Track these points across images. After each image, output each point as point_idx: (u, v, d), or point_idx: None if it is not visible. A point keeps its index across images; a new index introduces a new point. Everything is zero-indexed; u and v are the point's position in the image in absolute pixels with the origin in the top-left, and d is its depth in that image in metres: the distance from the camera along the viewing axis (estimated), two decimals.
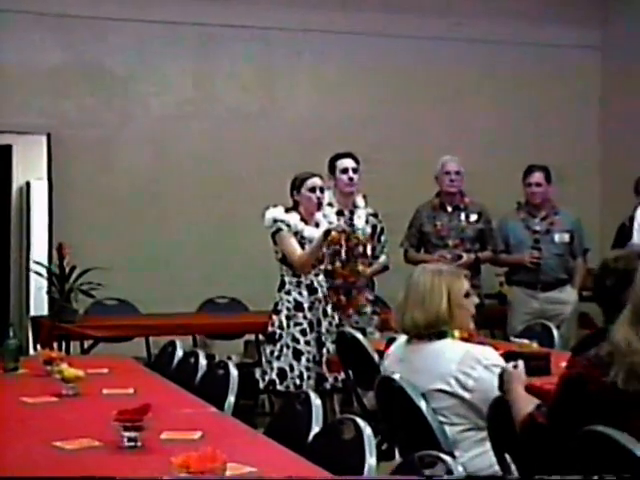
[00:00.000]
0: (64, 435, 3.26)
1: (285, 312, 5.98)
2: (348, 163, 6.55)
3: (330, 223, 6.09)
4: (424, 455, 2.75)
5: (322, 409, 3.58)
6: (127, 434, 3.09)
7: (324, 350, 5.97)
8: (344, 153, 6.63)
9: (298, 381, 5.89)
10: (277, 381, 5.90)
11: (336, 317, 6.11)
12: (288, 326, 5.96)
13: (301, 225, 5.98)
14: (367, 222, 6.60)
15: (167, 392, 4.34)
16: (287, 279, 6.03)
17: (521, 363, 3.52)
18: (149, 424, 3.13)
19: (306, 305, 5.98)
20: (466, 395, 3.78)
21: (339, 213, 6.56)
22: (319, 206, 6.05)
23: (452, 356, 3.85)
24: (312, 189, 6.00)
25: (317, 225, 6.08)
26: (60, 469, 2.85)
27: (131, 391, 4.22)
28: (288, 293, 6.00)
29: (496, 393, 3.55)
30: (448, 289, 3.89)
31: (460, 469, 2.62)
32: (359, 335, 5.69)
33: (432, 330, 3.91)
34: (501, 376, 3.51)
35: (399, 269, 6.84)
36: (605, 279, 3.40)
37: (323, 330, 6.00)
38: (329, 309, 6.06)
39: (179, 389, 4.41)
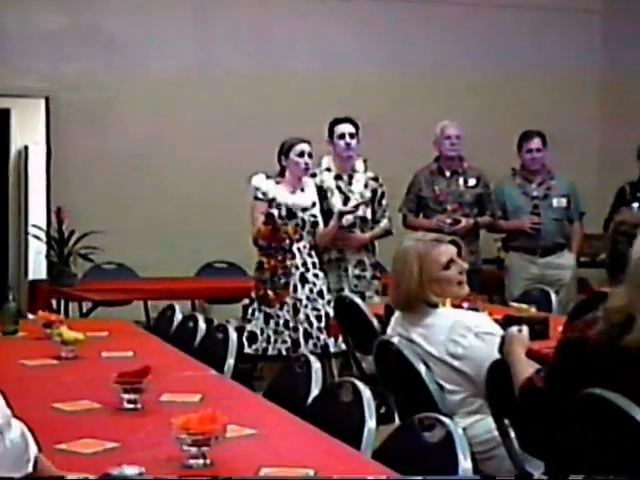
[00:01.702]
0: (64, 397, 3.28)
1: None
2: (345, 128, 6.54)
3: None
4: (423, 417, 2.76)
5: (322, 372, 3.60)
6: (127, 396, 3.10)
7: (301, 316, 5.97)
8: (342, 118, 6.62)
9: (265, 344, 5.93)
10: (246, 344, 5.93)
11: (318, 284, 6.08)
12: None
13: (274, 192, 5.99)
14: (366, 186, 6.59)
15: (167, 355, 4.35)
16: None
17: (525, 328, 3.52)
18: (149, 386, 3.14)
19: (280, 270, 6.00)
20: (455, 363, 3.78)
21: (337, 177, 6.56)
22: (306, 171, 6.06)
23: (442, 324, 3.85)
24: (300, 154, 6.00)
25: (303, 190, 6.09)
26: (60, 431, 2.86)
27: (130, 354, 4.23)
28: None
29: (488, 360, 3.56)
30: (420, 267, 3.87)
31: (460, 431, 2.63)
32: (357, 299, 5.70)
33: (415, 305, 3.92)
34: (503, 338, 3.51)
35: (398, 234, 6.85)
36: (618, 244, 3.39)
37: (300, 296, 6.00)
38: (309, 275, 6.05)
39: (178, 352, 4.42)
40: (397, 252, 4.03)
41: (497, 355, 3.51)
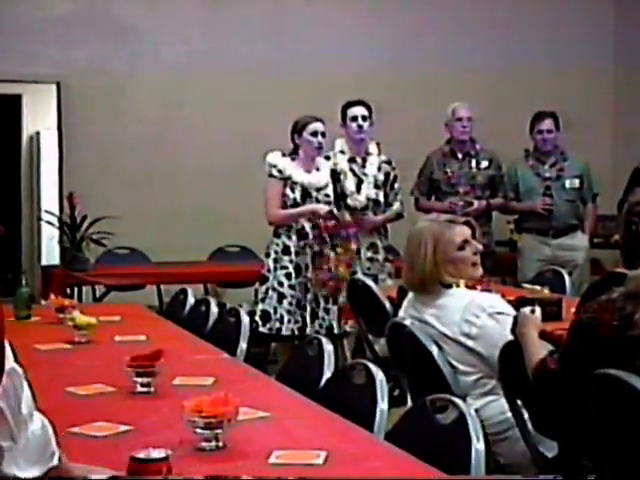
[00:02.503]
0: (77, 381, 3.29)
1: (273, 255, 6.03)
2: (357, 111, 6.53)
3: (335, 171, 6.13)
4: (435, 399, 2.76)
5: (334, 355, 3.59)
6: (140, 380, 3.11)
7: (309, 296, 5.98)
8: (355, 101, 6.61)
9: (278, 324, 5.93)
10: (260, 323, 5.95)
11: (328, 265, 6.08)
12: (275, 269, 6.00)
13: (290, 170, 5.99)
14: (380, 169, 6.59)
15: (179, 339, 4.36)
16: None
17: (538, 309, 3.51)
18: (162, 370, 3.15)
19: (293, 249, 6.00)
20: (469, 343, 3.77)
21: (351, 160, 6.56)
22: (319, 150, 6.04)
23: (456, 305, 3.84)
24: (314, 133, 5.99)
25: (318, 169, 6.09)
26: (73, 414, 2.87)
27: (143, 338, 4.24)
28: (278, 236, 6.05)
29: (502, 341, 3.55)
30: (434, 248, 3.87)
31: (472, 412, 2.62)
32: (370, 282, 5.71)
33: (430, 286, 3.91)
34: (515, 319, 3.50)
35: (410, 217, 6.85)
36: (632, 225, 3.37)
37: (310, 276, 6.00)
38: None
39: (191, 336, 4.44)
40: (411, 233, 4.02)
41: (510, 336, 3.50)
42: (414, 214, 7.05)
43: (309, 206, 6.00)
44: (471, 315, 3.78)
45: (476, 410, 3.62)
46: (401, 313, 4.18)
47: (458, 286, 3.92)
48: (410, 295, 4.13)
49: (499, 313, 3.76)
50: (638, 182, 6.97)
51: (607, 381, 2.75)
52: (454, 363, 3.84)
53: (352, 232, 6.20)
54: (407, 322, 4.00)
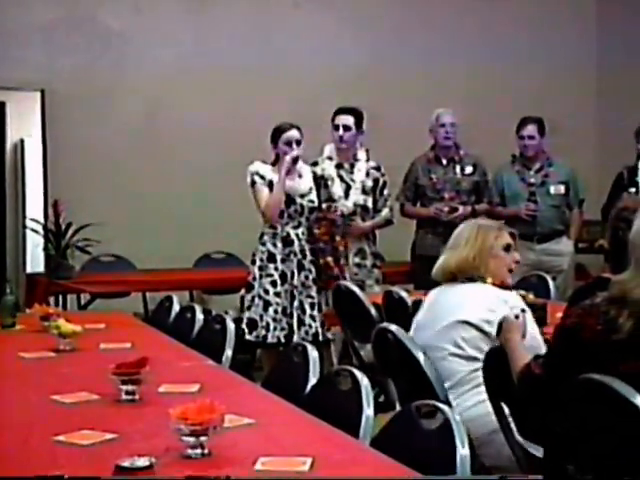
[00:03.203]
0: (62, 389, 3.27)
1: (258, 263, 6.04)
2: (340, 120, 6.55)
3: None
4: (421, 405, 2.77)
5: (319, 361, 3.60)
6: (125, 387, 3.10)
7: (296, 303, 5.98)
8: (342, 109, 6.61)
9: (264, 332, 5.94)
10: (246, 330, 5.96)
11: (314, 271, 6.09)
12: (261, 277, 6.00)
13: (272, 177, 6.01)
14: (368, 175, 6.60)
15: (164, 346, 4.35)
16: (264, 230, 6.09)
17: (522, 315, 3.53)
18: (147, 377, 3.14)
19: (279, 257, 6.01)
20: (486, 327, 3.83)
21: (339, 166, 6.57)
22: (295, 161, 6.03)
23: (481, 295, 3.95)
24: (288, 143, 5.99)
25: (300, 176, 6.10)
26: (58, 422, 2.86)
27: (128, 345, 4.23)
28: (263, 244, 6.06)
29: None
30: (483, 239, 4.04)
31: (457, 418, 2.63)
32: (355, 288, 5.71)
33: (462, 274, 4.02)
34: (500, 325, 3.52)
35: (398, 223, 6.88)
36: (618, 230, 3.39)
37: (296, 283, 6.00)
38: (306, 262, 6.06)
39: (176, 343, 4.43)
40: (461, 227, 4.20)
41: (536, 338, 3.60)
42: (402, 220, 7.08)
43: (300, 182, 6.02)
44: (494, 305, 3.86)
45: (462, 410, 3.67)
46: (419, 315, 4.20)
47: (485, 282, 4.01)
48: (432, 291, 4.17)
49: (522, 311, 3.78)
50: (622, 187, 7.01)
51: (591, 386, 2.75)
52: (463, 345, 3.87)
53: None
54: (393, 328, 4.01)
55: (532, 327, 3.75)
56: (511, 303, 3.87)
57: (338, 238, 6.28)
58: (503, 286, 4.06)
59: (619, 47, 9.00)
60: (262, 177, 6.01)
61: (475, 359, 3.83)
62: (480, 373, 3.75)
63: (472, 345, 3.85)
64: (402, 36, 8.87)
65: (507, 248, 4.10)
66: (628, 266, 2.86)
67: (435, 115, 7.16)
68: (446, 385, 3.88)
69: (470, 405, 3.77)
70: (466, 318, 3.89)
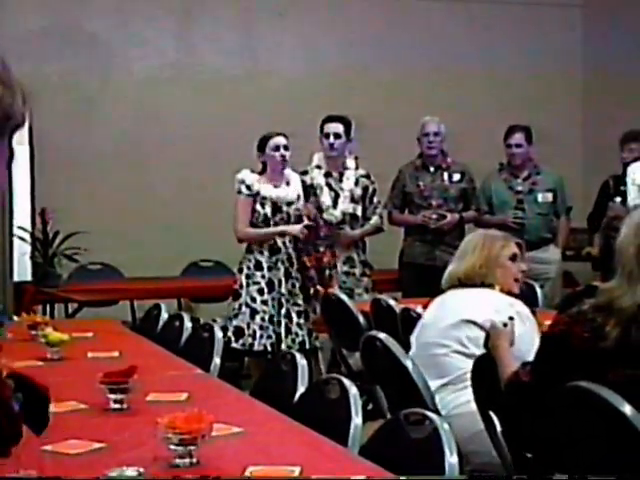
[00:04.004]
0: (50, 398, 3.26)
1: (245, 271, 6.04)
2: (330, 128, 6.55)
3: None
4: (409, 413, 2.77)
5: (308, 369, 3.60)
6: (113, 396, 3.10)
7: (283, 311, 5.99)
8: (332, 116, 6.62)
9: (250, 340, 5.94)
10: (233, 339, 5.95)
11: (300, 278, 6.09)
12: (247, 285, 6.01)
13: (259, 185, 6.01)
14: (357, 184, 6.60)
15: (152, 354, 4.34)
16: None
17: (510, 323, 3.55)
18: (135, 386, 3.14)
19: (265, 265, 6.01)
20: None
21: (327, 175, 6.58)
22: (283, 164, 6.05)
23: (488, 298, 3.99)
24: (275, 148, 6.00)
25: (288, 184, 6.10)
26: (47, 432, 2.85)
27: (116, 354, 4.22)
28: (250, 252, 6.06)
29: (523, 342, 3.58)
30: (489, 248, 4.11)
31: (446, 427, 2.63)
32: (343, 296, 5.71)
33: (470, 281, 4.06)
34: (488, 333, 3.53)
35: (388, 231, 6.88)
36: (610, 239, 3.41)
37: (284, 291, 6.01)
38: (293, 271, 6.06)
39: (164, 351, 4.42)
40: (469, 236, 4.34)
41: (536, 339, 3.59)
42: (390, 228, 7.09)
43: (279, 227, 6.01)
44: (501, 307, 3.88)
45: (460, 404, 3.69)
46: (425, 316, 4.22)
47: (493, 288, 4.05)
48: (438, 299, 4.19)
49: (527, 318, 3.88)
50: (608, 196, 7.03)
51: (578, 393, 2.76)
52: (467, 344, 3.89)
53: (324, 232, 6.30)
54: (381, 336, 4.02)
55: (527, 334, 3.76)
56: (517, 307, 3.90)
57: (322, 249, 6.28)
58: (510, 294, 4.09)
59: (606, 55, 9.03)
60: (248, 187, 6.00)
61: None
62: None
63: (476, 344, 3.85)
64: (388, 44, 8.87)
65: (513, 258, 4.16)
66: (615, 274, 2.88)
67: (421, 124, 7.17)
68: (443, 381, 3.90)
69: (464, 401, 3.78)
70: (472, 318, 3.92)
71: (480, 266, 4.06)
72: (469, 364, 3.83)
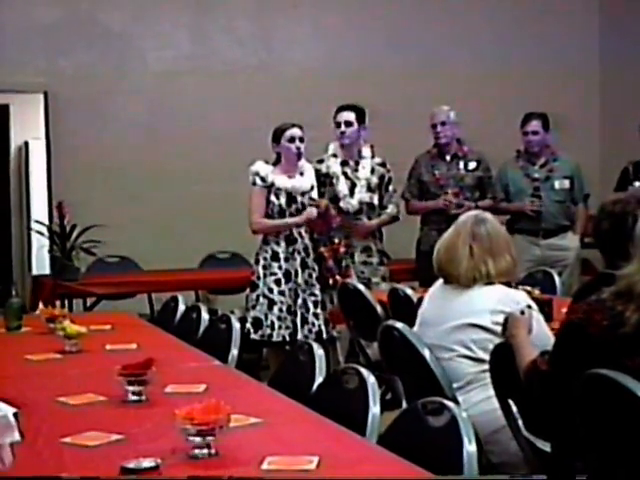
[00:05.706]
0: (68, 391, 3.28)
1: (262, 262, 6.03)
2: (341, 117, 6.53)
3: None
4: (427, 402, 2.76)
5: (325, 359, 3.59)
6: (131, 388, 3.11)
7: (299, 301, 5.99)
8: (344, 106, 6.60)
9: (269, 331, 5.94)
10: (252, 330, 5.95)
11: (317, 269, 6.09)
12: (265, 276, 6.00)
13: (273, 176, 6.00)
14: (373, 172, 6.59)
15: (170, 346, 4.35)
16: None
17: (528, 311, 3.53)
18: (153, 378, 3.14)
19: (282, 255, 6.00)
20: (497, 329, 3.78)
21: (344, 163, 6.56)
22: (299, 156, 6.04)
23: (491, 295, 3.90)
24: (291, 139, 5.99)
25: (302, 174, 6.09)
26: (65, 424, 2.86)
27: (134, 346, 4.23)
28: (267, 243, 6.05)
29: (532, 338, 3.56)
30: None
31: (464, 415, 2.62)
32: (361, 286, 5.70)
33: (473, 279, 3.95)
34: (506, 321, 3.51)
35: (404, 220, 6.87)
36: (601, 222, 3.39)
37: (300, 281, 6.00)
38: (309, 261, 6.06)
39: (182, 343, 4.43)
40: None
41: (545, 333, 3.57)
42: (407, 217, 7.07)
43: (296, 218, 6.01)
44: (504, 306, 3.81)
45: (474, 404, 3.67)
46: (424, 304, 4.17)
47: (494, 284, 3.96)
48: (438, 284, 4.13)
49: (528, 307, 3.77)
50: (627, 182, 6.99)
51: (598, 381, 2.75)
52: (472, 347, 3.85)
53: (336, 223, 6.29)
54: (399, 325, 4.00)
55: (540, 323, 3.74)
56: (523, 304, 3.81)
57: (337, 240, 6.28)
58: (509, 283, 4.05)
59: (623, 41, 8.98)
60: (262, 179, 5.99)
61: (483, 361, 3.79)
62: (488, 374, 3.75)
63: (481, 346, 3.83)
64: (406, 34, 8.85)
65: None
66: (632, 259, 2.85)
67: (431, 114, 7.14)
68: (454, 386, 3.87)
69: (477, 401, 3.77)
70: (477, 322, 3.85)
71: (482, 263, 3.95)
72: (476, 367, 3.82)
